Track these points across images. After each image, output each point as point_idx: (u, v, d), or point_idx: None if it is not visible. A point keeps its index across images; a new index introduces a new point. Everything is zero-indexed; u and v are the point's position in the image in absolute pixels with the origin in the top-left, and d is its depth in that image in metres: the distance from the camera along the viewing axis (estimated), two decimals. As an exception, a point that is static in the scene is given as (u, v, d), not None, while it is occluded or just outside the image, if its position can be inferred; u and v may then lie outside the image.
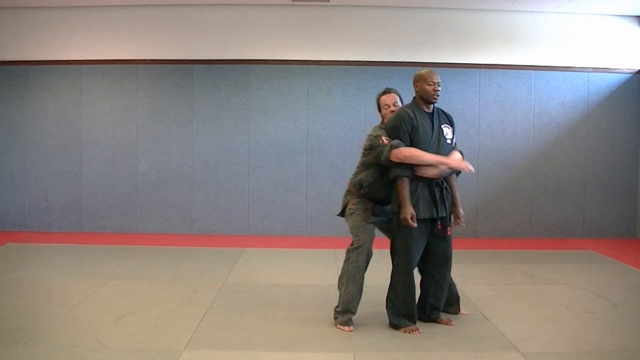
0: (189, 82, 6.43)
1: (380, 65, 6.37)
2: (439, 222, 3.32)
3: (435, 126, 3.35)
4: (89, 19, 6.39)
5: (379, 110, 3.59)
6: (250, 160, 6.46)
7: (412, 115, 3.31)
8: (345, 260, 3.47)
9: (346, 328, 3.34)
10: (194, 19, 6.38)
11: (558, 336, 3.29)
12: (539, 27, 6.42)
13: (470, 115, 6.36)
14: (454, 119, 3.50)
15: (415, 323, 3.33)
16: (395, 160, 3.23)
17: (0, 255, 5.27)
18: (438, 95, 3.34)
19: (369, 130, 3.54)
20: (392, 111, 3.45)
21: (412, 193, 3.26)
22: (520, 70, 6.43)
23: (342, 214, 3.61)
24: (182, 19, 6.38)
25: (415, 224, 3.20)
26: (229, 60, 6.40)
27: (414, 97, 3.41)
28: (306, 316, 3.58)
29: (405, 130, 3.28)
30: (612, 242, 6.22)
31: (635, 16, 6.42)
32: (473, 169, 3.36)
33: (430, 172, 3.26)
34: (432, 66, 6.31)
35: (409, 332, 3.28)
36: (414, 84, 3.39)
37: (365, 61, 6.40)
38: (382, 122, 3.54)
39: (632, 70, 6.47)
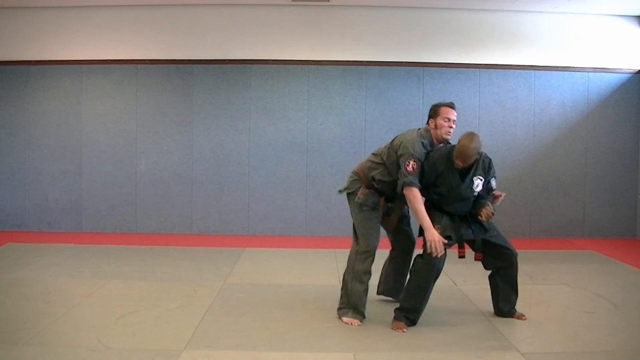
0: (189, 82, 6.43)
1: (380, 65, 6.37)
2: (462, 244, 3.39)
3: (466, 180, 3.31)
4: (89, 19, 6.39)
5: (433, 117, 3.37)
6: (250, 160, 6.46)
7: (441, 170, 3.28)
8: (352, 260, 3.48)
9: (355, 321, 3.38)
10: (194, 19, 6.38)
11: (558, 336, 3.29)
12: (539, 27, 6.42)
13: (470, 115, 6.36)
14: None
15: (412, 324, 3.36)
16: (405, 191, 3.27)
17: (0, 255, 5.27)
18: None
19: (411, 133, 3.37)
20: (450, 126, 3.34)
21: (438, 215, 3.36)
22: (520, 70, 6.43)
23: (347, 194, 3.57)
24: (182, 19, 6.38)
25: (442, 251, 3.19)
26: (229, 60, 6.40)
27: (453, 149, 3.30)
28: (306, 316, 3.58)
29: (429, 175, 3.30)
30: (612, 242, 6.22)
31: (635, 16, 6.42)
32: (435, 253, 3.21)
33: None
34: (432, 66, 6.42)
35: (396, 329, 3.32)
36: (459, 150, 3.23)
37: (365, 61, 6.40)
38: (428, 131, 3.38)
39: (632, 70, 6.47)
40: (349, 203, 3.58)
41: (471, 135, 3.24)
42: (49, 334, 3.23)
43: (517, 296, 3.59)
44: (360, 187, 3.50)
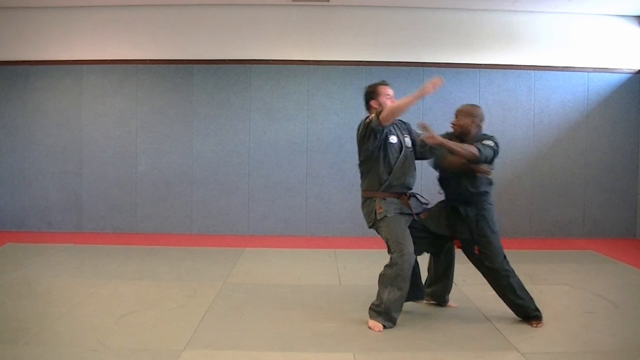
0: (189, 82, 6.43)
1: (380, 65, 6.37)
2: (456, 241, 3.54)
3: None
4: (89, 19, 6.39)
5: (374, 97, 3.59)
6: (250, 160, 6.46)
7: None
8: (389, 266, 3.36)
9: (379, 326, 3.33)
10: (194, 19, 6.38)
11: (558, 336, 3.29)
12: (539, 27, 6.42)
13: (470, 115, 6.35)
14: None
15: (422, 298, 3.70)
16: (384, 121, 3.37)
17: (0, 255, 5.27)
18: None
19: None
20: (393, 100, 3.52)
21: (437, 209, 3.56)
22: (520, 70, 6.43)
23: (372, 224, 3.49)
24: (182, 19, 6.38)
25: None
26: (229, 60, 6.40)
27: None
28: (306, 316, 3.58)
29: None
30: (612, 242, 6.22)
31: (635, 16, 6.42)
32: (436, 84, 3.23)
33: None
34: (432, 66, 6.42)
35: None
36: None
37: (365, 61, 6.39)
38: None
39: (632, 70, 6.47)
40: (375, 228, 3.49)
41: (471, 104, 3.62)
42: (49, 334, 3.23)
43: (521, 308, 3.46)
44: (375, 204, 3.45)
